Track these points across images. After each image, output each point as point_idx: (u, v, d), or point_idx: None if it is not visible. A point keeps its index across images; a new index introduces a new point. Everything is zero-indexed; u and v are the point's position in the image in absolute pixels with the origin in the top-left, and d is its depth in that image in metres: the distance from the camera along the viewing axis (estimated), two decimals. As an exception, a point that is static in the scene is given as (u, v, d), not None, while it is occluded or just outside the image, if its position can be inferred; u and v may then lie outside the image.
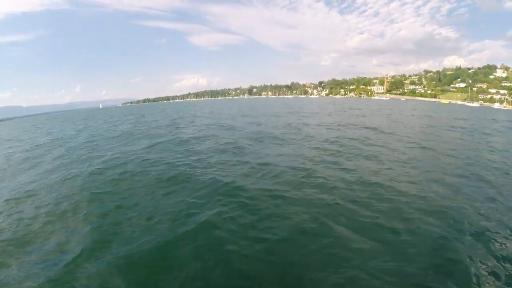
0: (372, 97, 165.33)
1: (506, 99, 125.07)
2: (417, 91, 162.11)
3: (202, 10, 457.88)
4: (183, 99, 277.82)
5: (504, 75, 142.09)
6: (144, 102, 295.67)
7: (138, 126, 29.54)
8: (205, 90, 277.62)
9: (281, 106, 64.54)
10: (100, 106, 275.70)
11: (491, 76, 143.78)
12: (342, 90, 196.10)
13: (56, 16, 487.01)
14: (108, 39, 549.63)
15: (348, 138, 16.71)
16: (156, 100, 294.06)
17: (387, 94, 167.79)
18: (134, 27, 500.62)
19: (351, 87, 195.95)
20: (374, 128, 21.94)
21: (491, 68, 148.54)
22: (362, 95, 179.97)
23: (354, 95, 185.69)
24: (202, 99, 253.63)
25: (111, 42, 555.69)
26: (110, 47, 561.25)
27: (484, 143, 17.11)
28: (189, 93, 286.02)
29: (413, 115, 39.65)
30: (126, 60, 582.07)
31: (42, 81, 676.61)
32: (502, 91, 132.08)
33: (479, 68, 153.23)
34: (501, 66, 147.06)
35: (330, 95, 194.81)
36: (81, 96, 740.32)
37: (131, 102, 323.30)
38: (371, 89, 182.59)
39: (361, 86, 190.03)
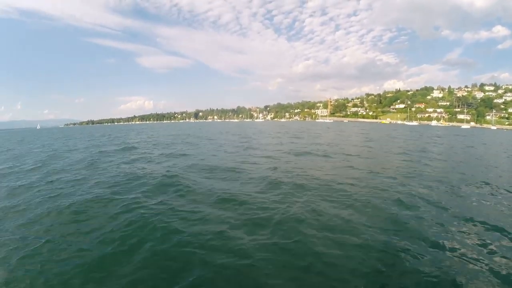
0: (316, 120, 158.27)
1: (443, 116, 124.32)
2: (359, 113, 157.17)
3: (154, 32, 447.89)
4: (128, 122, 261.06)
5: (440, 95, 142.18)
6: (87, 123, 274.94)
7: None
8: (151, 114, 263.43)
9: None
10: (38, 127, 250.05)
11: (429, 97, 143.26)
12: (287, 114, 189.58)
13: (3, 26, 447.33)
14: (55, 54, 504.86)
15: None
16: (100, 122, 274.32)
17: (331, 117, 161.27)
18: (84, 44, 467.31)
19: (296, 110, 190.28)
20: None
21: (428, 90, 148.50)
22: (307, 118, 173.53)
23: (298, 119, 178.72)
24: (148, 122, 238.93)
25: (57, 58, 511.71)
26: (56, 63, 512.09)
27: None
28: (134, 116, 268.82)
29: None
30: (71, 78, 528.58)
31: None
32: (438, 110, 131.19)
33: (417, 90, 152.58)
34: (437, 88, 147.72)
35: (276, 119, 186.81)
36: (22, 114, 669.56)
37: (74, 124, 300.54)
38: (315, 112, 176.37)
39: (305, 110, 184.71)
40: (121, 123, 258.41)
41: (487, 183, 9.53)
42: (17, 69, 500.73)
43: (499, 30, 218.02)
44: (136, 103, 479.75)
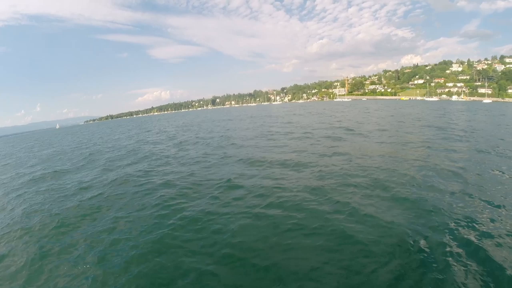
0: (334, 99, 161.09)
1: (463, 91, 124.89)
2: (377, 91, 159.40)
3: (164, 22, 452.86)
4: (147, 113, 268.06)
5: (460, 69, 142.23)
6: (106, 119, 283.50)
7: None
8: (169, 104, 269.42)
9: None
10: (57, 126, 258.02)
11: (448, 71, 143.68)
12: (304, 95, 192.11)
13: (15, 32, 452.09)
14: (69, 55, 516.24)
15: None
16: (119, 116, 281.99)
17: (349, 96, 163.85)
18: (95, 42, 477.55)
19: (313, 91, 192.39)
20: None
21: (447, 64, 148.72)
22: (325, 98, 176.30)
23: (316, 99, 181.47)
24: (166, 112, 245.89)
25: (72, 58, 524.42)
26: (71, 63, 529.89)
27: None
28: (152, 107, 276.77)
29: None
30: (87, 76, 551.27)
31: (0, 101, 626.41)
32: (459, 84, 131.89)
33: (435, 65, 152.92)
34: (456, 61, 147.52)
35: (293, 100, 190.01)
36: (42, 115, 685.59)
37: (94, 120, 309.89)
38: (332, 91, 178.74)
39: (323, 90, 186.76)
40: (140, 115, 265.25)
41: None
42: (33, 73, 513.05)
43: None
44: (152, 94, 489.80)
